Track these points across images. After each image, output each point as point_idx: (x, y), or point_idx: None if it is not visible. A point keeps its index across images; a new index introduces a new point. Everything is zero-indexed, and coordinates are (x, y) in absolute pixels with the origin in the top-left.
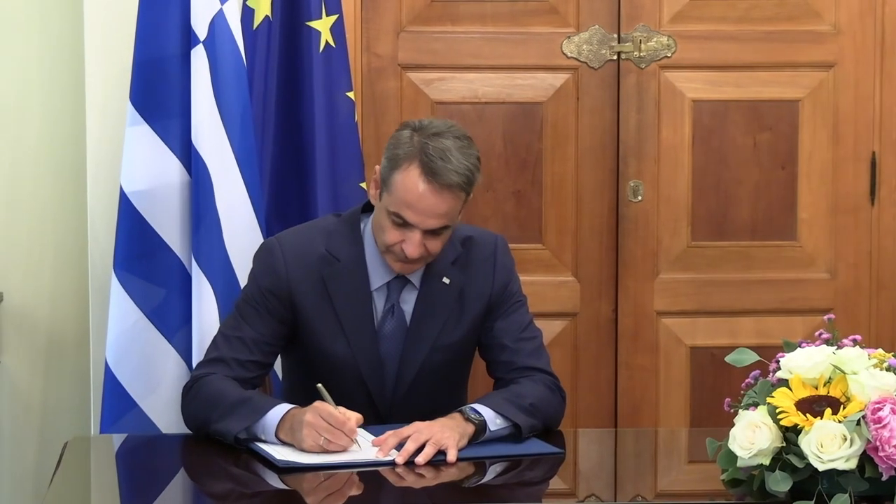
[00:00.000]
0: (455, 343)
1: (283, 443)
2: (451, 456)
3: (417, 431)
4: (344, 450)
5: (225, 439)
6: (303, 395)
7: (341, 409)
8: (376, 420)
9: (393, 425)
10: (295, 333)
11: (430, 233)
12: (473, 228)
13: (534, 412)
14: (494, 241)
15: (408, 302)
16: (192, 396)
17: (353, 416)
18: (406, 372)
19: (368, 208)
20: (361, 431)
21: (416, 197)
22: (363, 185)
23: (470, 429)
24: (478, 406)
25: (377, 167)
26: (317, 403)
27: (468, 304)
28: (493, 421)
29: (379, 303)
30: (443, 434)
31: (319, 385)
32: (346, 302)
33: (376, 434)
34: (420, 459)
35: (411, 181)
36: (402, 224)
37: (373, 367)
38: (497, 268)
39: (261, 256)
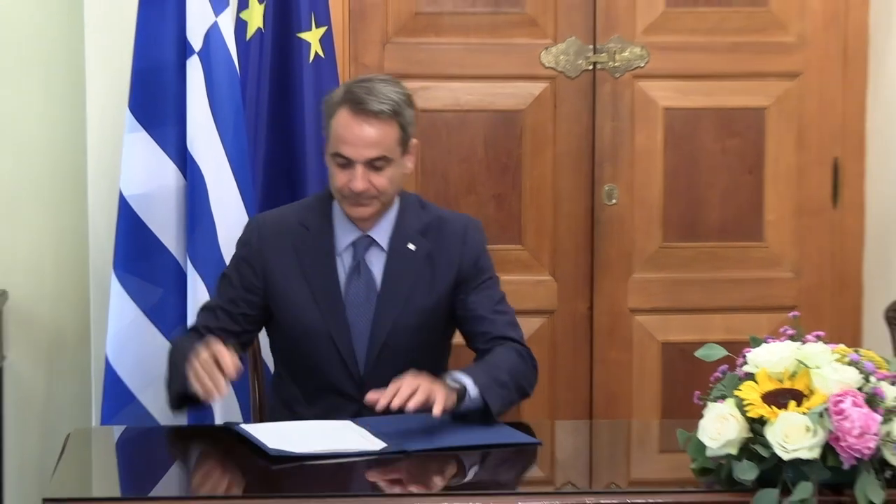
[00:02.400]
0: (427, 308)
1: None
2: (437, 410)
3: (413, 378)
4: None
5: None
6: (289, 371)
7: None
8: (353, 385)
9: (383, 418)
10: (268, 303)
11: (372, 167)
12: (451, 213)
13: (508, 384)
14: (467, 219)
15: (375, 264)
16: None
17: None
18: (378, 332)
19: None
20: (352, 424)
21: (347, 131)
22: None
23: (453, 396)
24: (457, 374)
25: (323, 130)
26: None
27: (438, 271)
28: (473, 389)
29: (345, 262)
30: (434, 386)
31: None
32: (313, 265)
33: (368, 426)
34: (411, 406)
35: (342, 119)
36: (345, 163)
37: (341, 328)
38: (467, 240)
39: (243, 232)
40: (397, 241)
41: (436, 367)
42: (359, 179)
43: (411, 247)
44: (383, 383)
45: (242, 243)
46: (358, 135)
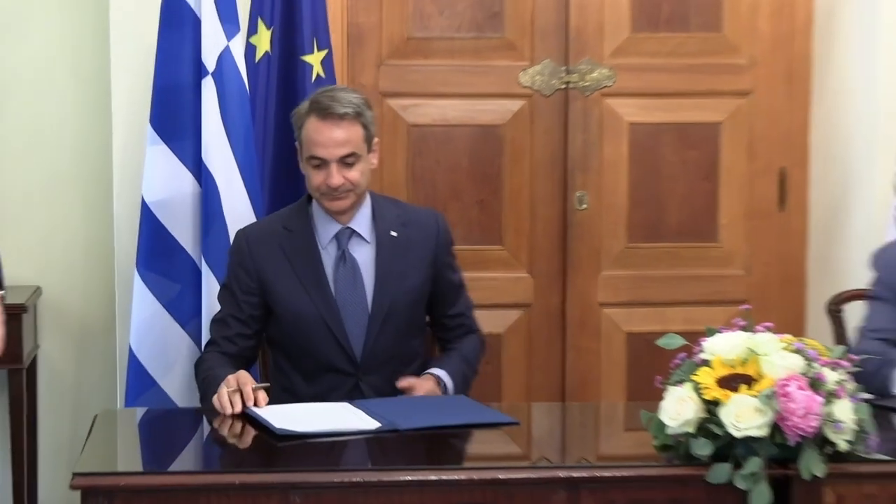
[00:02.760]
0: (416, 287)
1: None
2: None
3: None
4: (231, 409)
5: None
6: (288, 359)
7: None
8: (348, 362)
9: (378, 401)
10: (266, 301)
11: (344, 164)
12: (418, 207)
13: (471, 377)
14: (434, 212)
15: (358, 252)
16: (196, 375)
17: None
18: (377, 311)
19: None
20: (350, 406)
21: (318, 135)
22: None
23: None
24: (446, 380)
25: (296, 144)
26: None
27: (419, 255)
28: (451, 388)
29: (331, 254)
30: (434, 388)
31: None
32: (300, 260)
33: (364, 408)
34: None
35: (312, 126)
36: (320, 164)
37: (331, 313)
38: (440, 228)
39: (231, 246)
40: (379, 230)
41: (418, 339)
42: (334, 176)
43: (393, 234)
44: (376, 358)
45: (234, 253)
46: (329, 137)
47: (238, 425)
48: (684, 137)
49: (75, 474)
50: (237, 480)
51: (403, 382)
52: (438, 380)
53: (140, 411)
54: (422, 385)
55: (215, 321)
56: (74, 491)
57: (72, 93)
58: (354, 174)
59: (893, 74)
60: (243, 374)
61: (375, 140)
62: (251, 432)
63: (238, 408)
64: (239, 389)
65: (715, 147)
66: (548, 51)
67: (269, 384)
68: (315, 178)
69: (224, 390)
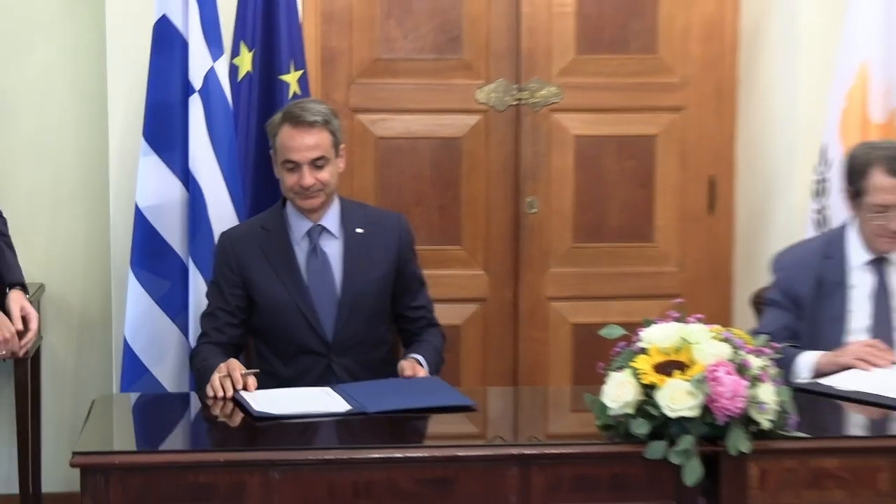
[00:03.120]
0: (380, 278)
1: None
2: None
3: (411, 366)
4: (222, 392)
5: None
6: (267, 345)
7: (238, 374)
8: (321, 344)
9: (357, 385)
10: (248, 294)
11: (315, 166)
12: (381, 209)
13: (440, 364)
14: (396, 213)
15: (328, 247)
16: (192, 366)
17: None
18: (345, 299)
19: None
20: (330, 391)
21: (292, 141)
22: None
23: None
24: (425, 365)
25: (271, 152)
26: (224, 364)
27: (384, 249)
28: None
29: (303, 249)
30: (421, 370)
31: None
32: (276, 255)
33: (343, 393)
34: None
35: (286, 133)
36: (293, 167)
37: (304, 300)
38: (402, 227)
39: (217, 246)
40: (347, 227)
41: (384, 325)
42: (306, 177)
43: (359, 231)
44: (346, 341)
45: (219, 253)
46: (301, 142)
47: (223, 408)
48: (624, 148)
49: (75, 453)
50: (222, 458)
51: (407, 372)
52: (420, 362)
53: (134, 396)
54: (419, 371)
55: (205, 315)
56: (74, 468)
57: (72, 109)
58: (324, 175)
59: (811, 92)
60: (233, 362)
61: (342, 146)
62: (236, 414)
63: (229, 392)
64: (229, 375)
65: (651, 157)
66: (501, 71)
67: (258, 370)
68: (289, 180)
69: (216, 376)
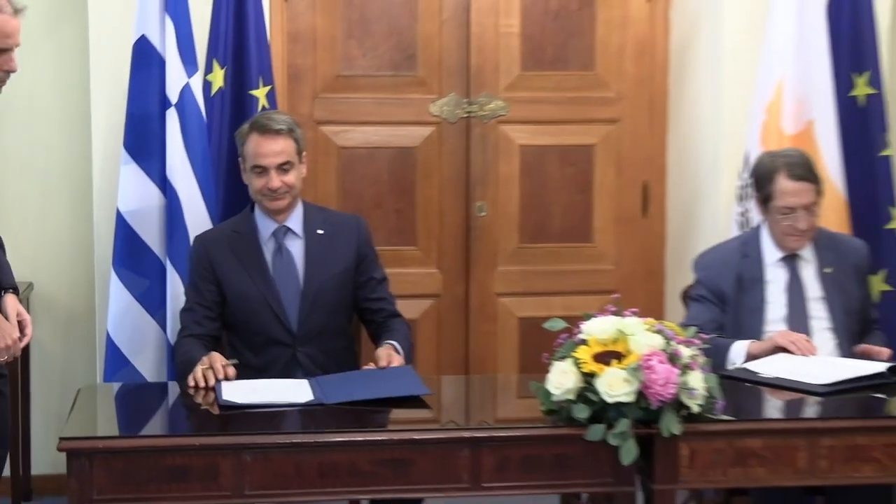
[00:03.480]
0: (339, 274)
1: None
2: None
3: (388, 353)
4: (204, 383)
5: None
6: (238, 337)
7: (219, 365)
8: (287, 335)
9: (331, 378)
10: (221, 289)
11: (281, 170)
12: (340, 212)
13: (409, 350)
14: (355, 215)
15: (292, 246)
16: (174, 358)
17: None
18: (308, 293)
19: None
20: (306, 383)
21: (260, 148)
22: None
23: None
24: (399, 349)
25: (239, 159)
26: (206, 357)
27: (343, 248)
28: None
29: (270, 248)
30: (399, 358)
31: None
32: (246, 255)
33: (315, 385)
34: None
35: (253, 142)
36: (262, 171)
37: (271, 293)
38: (360, 227)
39: (192, 248)
40: (309, 228)
41: (345, 317)
42: (274, 179)
43: (320, 232)
44: (310, 332)
45: (193, 254)
46: (269, 148)
47: (203, 397)
48: (565, 157)
49: (61, 438)
50: (197, 442)
51: (383, 362)
52: (396, 348)
53: (116, 386)
54: (395, 358)
55: (185, 311)
56: (61, 452)
57: (59, 121)
58: (290, 178)
59: (735, 105)
60: (214, 355)
61: (304, 153)
62: (210, 403)
63: (211, 382)
64: (211, 367)
65: (589, 165)
66: (453, 86)
67: (237, 361)
68: (257, 183)
69: (199, 368)
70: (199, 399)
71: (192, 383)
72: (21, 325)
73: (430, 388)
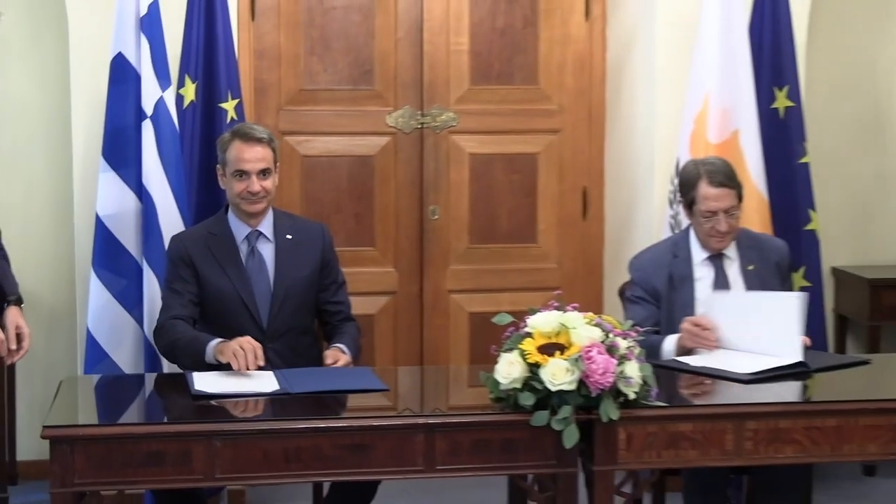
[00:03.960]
0: (306, 276)
1: (218, 365)
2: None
3: (335, 354)
4: (245, 368)
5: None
6: (211, 330)
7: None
8: (257, 331)
9: (297, 372)
10: (198, 283)
11: (261, 175)
12: (307, 218)
13: (357, 352)
14: (319, 223)
15: (265, 249)
16: (161, 336)
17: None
18: (278, 292)
19: (227, 208)
20: (270, 374)
21: (242, 154)
22: None
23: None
24: (347, 352)
25: (218, 166)
26: (243, 338)
27: (310, 252)
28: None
29: (244, 250)
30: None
31: None
32: (222, 253)
33: (284, 377)
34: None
35: (236, 148)
36: (243, 175)
37: (246, 291)
38: (325, 234)
39: (170, 244)
40: (279, 233)
41: (311, 316)
42: (255, 184)
43: (289, 237)
44: (279, 329)
45: (173, 250)
46: (251, 154)
47: (169, 387)
48: (511, 164)
49: (45, 427)
50: (171, 430)
51: (329, 360)
52: (342, 350)
53: (96, 377)
54: (341, 357)
55: (171, 293)
56: (45, 440)
57: (42, 132)
58: (268, 184)
59: (666, 116)
60: (255, 342)
61: (278, 164)
62: (178, 392)
63: (252, 366)
64: (253, 352)
65: (534, 172)
66: (407, 99)
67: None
68: (238, 187)
69: (240, 348)
70: (161, 391)
71: (238, 362)
72: (19, 338)
73: (386, 385)
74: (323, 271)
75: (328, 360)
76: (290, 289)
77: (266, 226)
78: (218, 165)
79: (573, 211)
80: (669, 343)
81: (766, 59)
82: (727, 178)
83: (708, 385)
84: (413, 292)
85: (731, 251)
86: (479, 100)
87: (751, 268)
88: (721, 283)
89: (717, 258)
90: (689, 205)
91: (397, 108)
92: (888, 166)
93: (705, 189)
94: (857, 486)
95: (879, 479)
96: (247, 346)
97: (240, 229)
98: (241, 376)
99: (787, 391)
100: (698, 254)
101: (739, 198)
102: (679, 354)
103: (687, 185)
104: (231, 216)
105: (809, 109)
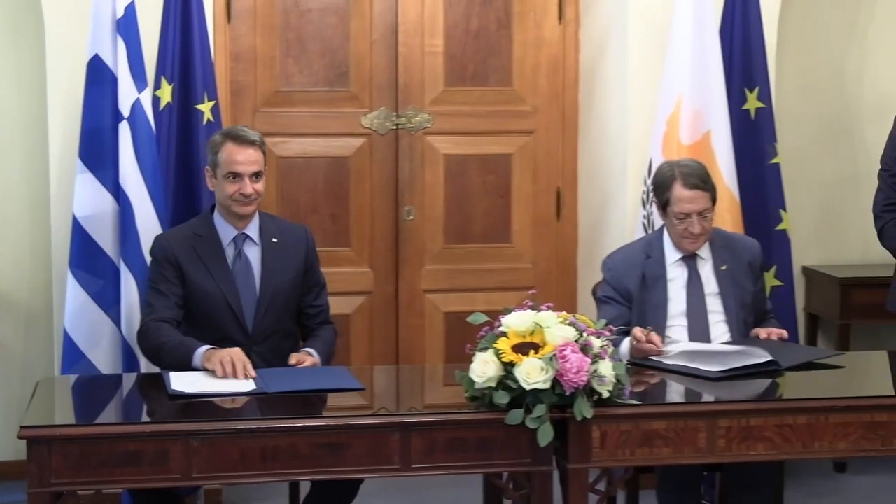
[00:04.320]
0: (291, 279)
1: (204, 369)
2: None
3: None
4: (232, 376)
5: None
6: (196, 331)
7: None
8: (242, 334)
9: (273, 371)
10: (183, 284)
11: (254, 178)
12: (290, 221)
13: (330, 355)
14: (302, 226)
15: (251, 252)
16: (146, 338)
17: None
18: (264, 295)
19: (213, 208)
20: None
21: (236, 156)
22: None
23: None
24: (316, 356)
25: (207, 167)
26: (233, 349)
27: (294, 255)
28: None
29: (230, 253)
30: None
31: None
32: (208, 255)
33: (261, 377)
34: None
35: (229, 150)
36: (235, 177)
37: (232, 294)
38: (308, 237)
39: (154, 244)
40: (265, 237)
41: (292, 322)
42: (248, 186)
43: (275, 240)
44: (263, 332)
45: (157, 249)
46: (245, 157)
47: (146, 387)
48: (485, 165)
49: (22, 427)
50: (148, 430)
51: (292, 361)
52: (310, 353)
53: (72, 378)
54: (307, 360)
55: (155, 293)
56: (22, 440)
57: (19, 134)
58: (259, 186)
59: (639, 118)
60: (239, 351)
61: (266, 167)
62: (155, 392)
63: (241, 375)
64: (242, 363)
65: (508, 172)
66: (383, 100)
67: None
68: (230, 188)
69: (228, 359)
70: (138, 391)
71: (224, 370)
72: None
73: (362, 384)
74: (307, 274)
75: (291, 361)
76: (276, 292)
77: (252, 229)
78: (207, 167)
79: (547, 211)
80: (624, 346)
81: (738, 61)
82: (701, 180)
83: (681, 383)
84: (389, 292)
85: (705, 251)
86: (454, 101)
87: (724, 268)
88: (693, 283)
89: (690, 258)
90: (663, 206)
91: (373, 110)
92: (858, 166)
93: (679, 191)
94: (828, 482)
95: (850, 476)
96: (237, 361)
97: (226, 231)
98: (219, 377)
99: (760, 389)
100: (671, 254)
101: (713, 200)
102: (633, 357)
103: (661, 187)
104: (217, 218)
105: (780, 110)
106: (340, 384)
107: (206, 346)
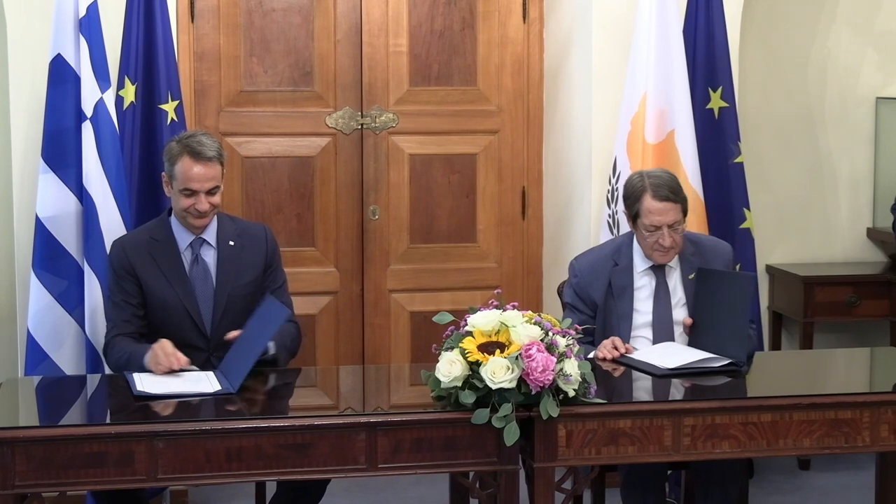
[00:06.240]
0: (250, 282)
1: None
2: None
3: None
4: (167, 370)
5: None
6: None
7: (170, 351)
8: (201, 339)
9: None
10: (141, 293)
11: (209, 193)
12: (250, 221)
13: (292, 350)
14: (263, 225)
15: (207, 256)
16: (109, 355)
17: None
18: (219, 300)
19: (171, 211)
20: (212, 374)
21: (193, 173)
22: None
23: None
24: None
25: (163, 174)
26: (159, 343)
27: (253, 257)
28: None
29: (187, 258)
30: None
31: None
32: (165, 261)
33: (223, 374)
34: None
35: (186, 165)
36: (191, 193)
37: (189, 300)
38: (268, 237)
39: (111, 252)
40: (222, 240)
41: None
42: (203, 202)
43: (232, 243)
44: (222, 335)
45: (114, 257)
46: (200, 174)
47: (111, 388)
48: (450, 165)
49: None
50: (112, 431)
51: (230, 335)
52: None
53: (36, 379)
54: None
55: (114, 306)
56: None
57: None
58: (216, 199)
59: (603, 117)
60: (165, 342)
61: (225, 174)
62: (119, 393)
63: (175, 366)
64: (174, 354)
65: (473, 172)
66: (347, 100)
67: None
68: (185, 203)
69: (161, 355)
70: (103, 392)
71: (153, 367)
72: None
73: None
74: (266, 273)
75: (228, 336)
76: (233, 296)
77: (210, 233)
78: (164, 173)
79: (512, 211)
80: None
81: (701, 61)
82: (672, 191)
83: (646, 381)
84: (354, 292)
85: (673, 260)
86: (419, 101)
87: (692, 277)
88: (661, 293)
89: (658, 268)
90: (633, 217)
91: (337, 110)
92: (821, 165)
93: (649, 202)
94: (792, 479)
95: (813, 473)
96: (162, 358)
97: (183, 236)
98: (182, 377)
99: (724, 388)
100: (640, 262)
101: (684, 212)
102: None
103: (631, 198)
104: (174, 222)
105: (743, 110)
106: (275, 321)
107: (150, 353)
